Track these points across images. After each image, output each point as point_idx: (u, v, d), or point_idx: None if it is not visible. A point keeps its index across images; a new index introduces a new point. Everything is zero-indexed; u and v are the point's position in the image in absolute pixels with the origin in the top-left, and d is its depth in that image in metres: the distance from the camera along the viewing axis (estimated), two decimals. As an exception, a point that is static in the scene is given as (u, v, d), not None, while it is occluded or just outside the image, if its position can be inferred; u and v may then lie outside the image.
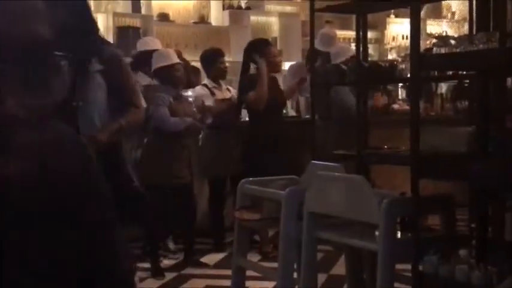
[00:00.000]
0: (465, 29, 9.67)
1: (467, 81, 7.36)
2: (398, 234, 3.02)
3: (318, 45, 5.74)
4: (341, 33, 9.15)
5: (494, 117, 2.91)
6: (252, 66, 5.47)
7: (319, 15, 6.87)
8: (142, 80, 5.44)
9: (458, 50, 2.60)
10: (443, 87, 8.31)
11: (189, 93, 5.53)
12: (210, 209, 5.77)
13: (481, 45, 2.57)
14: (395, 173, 5.35)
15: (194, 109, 5.27)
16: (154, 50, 5.48)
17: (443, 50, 2.70)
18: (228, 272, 4.92)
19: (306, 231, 3.14)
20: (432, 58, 2.65)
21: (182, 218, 5.24)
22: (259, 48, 5.49)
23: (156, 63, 5.14)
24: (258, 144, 5.38)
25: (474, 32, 3.00)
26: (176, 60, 5.16)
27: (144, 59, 5.47)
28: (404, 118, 6.33)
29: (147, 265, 5.27)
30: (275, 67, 5.52)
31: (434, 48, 2.69)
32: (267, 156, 5.26)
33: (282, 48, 8.38)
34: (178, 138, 5.05)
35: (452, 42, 2.66)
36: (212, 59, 5.86)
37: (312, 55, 4.55)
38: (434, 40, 2.85)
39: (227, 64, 6.12)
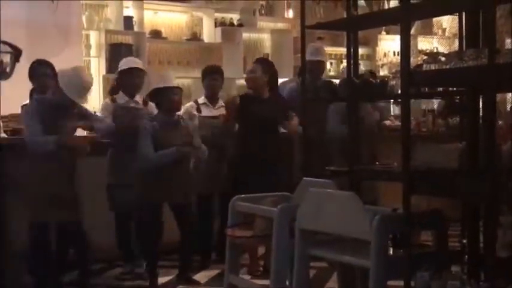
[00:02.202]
0: (456, 45, 9.73)
1: (458, 97, 7.44)
2: (391, 251, 3.02)
3: (309, 56, 5.87)
4: (332, 50, 9.22)
5: (485, 133, 2.92)
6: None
7: (311, 31, 6.89)
8: (122, 99, 5.42)
9: (448, 67, 2.61)
10: (434, 104, 8.34)
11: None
12: (198, 226, 5.76)
13: (470, 62, 2.58)
14: (391, 188, 5.36)
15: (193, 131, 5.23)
16: (133, 68, 5.47)
17: (433, 67, 2.71)
18: (219, 290, 4.90)
19: (298, 248, 3.13)
20: (422, 75, 2.66)
21: (181, 235, 5.20)
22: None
23: (155, 85, 5.11)
24: (245, 161, 5.37)
25: (464, 49, 3.02)
26: (173, 84, 5.12)
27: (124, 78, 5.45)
28: (396, 134, 6.38)
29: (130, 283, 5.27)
30: (247, 83, 5.53)
31: (424, 65, 2.71)
32: (255, 173, 5.25)
33: (274, 64, 8.39)
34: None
35: (442, 59, 2.67)
36: (204, 76, 5.88)
37: (302, 71, 4.57)
38: (424, 57, 2.87)
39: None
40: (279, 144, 5.56)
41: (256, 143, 5.31)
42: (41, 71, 5.17)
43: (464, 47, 2.95)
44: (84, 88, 4.63)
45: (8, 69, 2.52)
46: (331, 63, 9.18)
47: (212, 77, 5.87)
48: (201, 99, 5.87)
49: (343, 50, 8.11)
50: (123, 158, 5.25)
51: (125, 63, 5.56)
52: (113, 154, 5.37)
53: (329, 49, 8.80)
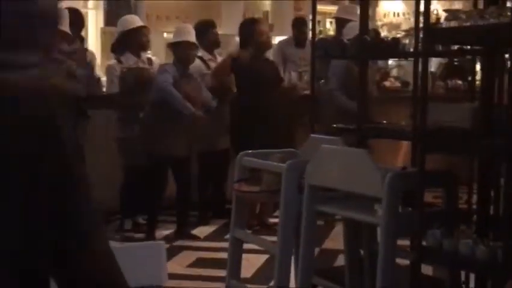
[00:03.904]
0: (455, 6, 9.65)
1: (457, 59, 7.42)
2: (400, 209, 3.02)
3: (341, 13, 5.97)
4: (333, 8, 9.10)
5: (499, 94, 2.91)
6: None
7: (313, -11, 6.81)
8: (130, 60, 5.38)
9: (468, 24, 2.57)
10: (432, 66, 8.33)
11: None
12: (199, 182, 5.77)
13: (491, 20, 2.54)
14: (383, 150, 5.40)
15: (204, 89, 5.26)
16: (140, 27, 5.42)
17: (452, 24, 2.67)
18: (219, 245, 4.94)
19: (307, 204, 3.12)
20: (443, 32, 2.62)
21: (178, 190, 5.23)
22: (249, 28, 5.51)
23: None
24: (247, 118, 5.37)
25: (481, 7, 2.97)
26: (191, 38, 5.14)
27: (127, 39, 5.39)
28: (397, 96, 6.38)
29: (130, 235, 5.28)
30: (266, 45, 5.57)
31: (444, 22, 2.67)
32: (255, 130, 5.25)
33: (274, 22, 8.33)
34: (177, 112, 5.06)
35: (463, 16, 2.63)
36: (203, 30, 5.84)
37: (311, 29, 4.52)
38: (442, 13, 2.83)
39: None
40: (280, 102, 5.57)
41: (258, 101, 5.31)
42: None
43: (483, 4, 2.90)
44: None
45: None
46: (330, 23, 9.10)
47: (212, 30, 5.87)
48: (204, 55, 5.83)
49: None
50: (134, 116, 5.25)
51: (129, 22, 5.49)
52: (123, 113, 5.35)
53: (329, 8, 8.72)
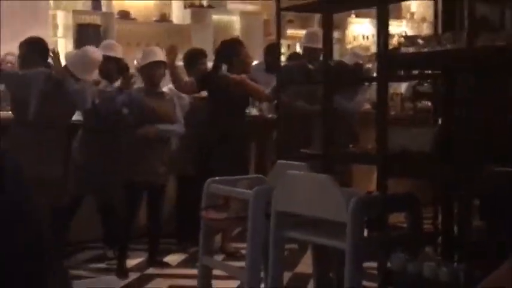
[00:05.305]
0: (424, 29, 9.81)
1: (427, 81, 7.52)
2: (365, 233, 3.04)
3: (307, 42, 6.00)
4: (302, 33, 9.19)
5: (460, 118, 2.96)
6: (224, 67, 5.43)
7: (282, 14, 6.87)
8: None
9: (426, 50, 2.62)
10: (402, 87, 8.43)
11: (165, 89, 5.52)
12: (177, 208, 5.73)
13: (448, 45, 2.60)
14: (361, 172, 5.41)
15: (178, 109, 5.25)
16: (114, 58, 5.38)
17: (410, 50, 2.72)
18: (191, 272, 4.90)
19: (274, 230, 3.13)
20: (400, 57, 2.67)
21: (150, 217, 5.19)
22: (235, 48, 5.45)
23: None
24: (217, 143, 5.35)
25: (440, 32, 3.04)
26: (154, 58, 5.14)
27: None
28: (367, 117, 6.40)
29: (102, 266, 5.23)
30: (246, 68, 5.53)
31: (402, 48, 2.71)
32: (223, 155, 5.23)
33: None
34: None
35: (420, 41, 2.68)
36: (192, 60, 5.83)
37: (276, 54, 4.54)
38: (401, 39, 2.88)
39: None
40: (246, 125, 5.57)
41: (226, 124, 5.29)
42: None
43: (440, 30, 2.96)
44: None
45: None
46: (300, 47, 9.17)
47: (202, 61, 5.84)
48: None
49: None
50: (96, 140, 5.19)
51: (107, 48, 5.49)
52: (84, 136, 5.29)
53: (299, 32, 8.80)
